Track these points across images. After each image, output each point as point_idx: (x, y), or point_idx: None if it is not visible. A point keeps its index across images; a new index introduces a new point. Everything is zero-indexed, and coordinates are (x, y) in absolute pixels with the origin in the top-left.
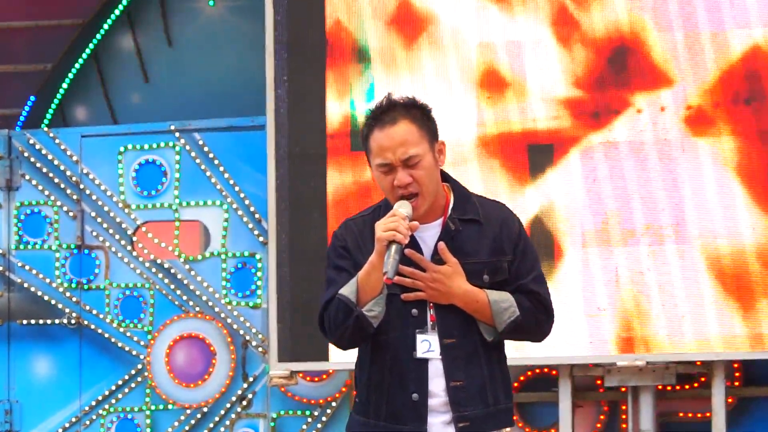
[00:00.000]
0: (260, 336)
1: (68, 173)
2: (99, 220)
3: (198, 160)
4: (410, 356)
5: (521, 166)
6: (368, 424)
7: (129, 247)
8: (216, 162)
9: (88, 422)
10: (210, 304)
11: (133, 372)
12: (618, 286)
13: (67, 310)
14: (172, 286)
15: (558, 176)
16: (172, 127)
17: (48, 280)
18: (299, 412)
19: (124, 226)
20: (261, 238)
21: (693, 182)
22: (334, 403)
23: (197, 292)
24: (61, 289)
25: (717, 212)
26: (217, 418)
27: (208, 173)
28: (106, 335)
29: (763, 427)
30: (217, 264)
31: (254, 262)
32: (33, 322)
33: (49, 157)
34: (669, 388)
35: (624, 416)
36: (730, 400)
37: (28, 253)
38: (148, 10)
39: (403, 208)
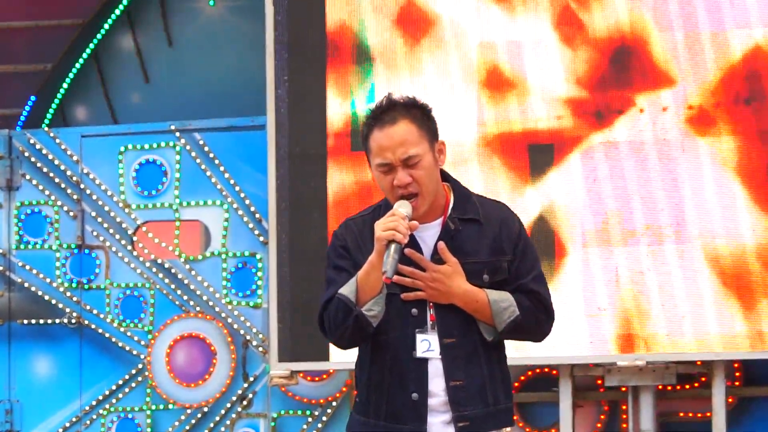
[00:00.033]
0: (261, 336)
1: (69, 173)
2: (99, 219)
3: (198, 160)
4: (410, 356)
5: (522, 166)
6: (368, 424)
7: (129, 247)
8: (216, 162)
9: (88, 422)
10: (210, 303)
11: (133, 372)
12: (618, 285)
13: (67, 310)
14: (173, 286)
15: (558, 176)
16: (173, 127)
17: (48, 280)
18: (300, 412)
19: (124, 225)
20: (261, 238)
21: (694, 182)
22: (334, 403)
23: (198, 292)
24: (61, 289)
25: (717, 212)
26: (217, 418)
27: (208, 173)
28: (107, 335)
29: (763, 427)
30: (218, 264)
31: (255, 261)
32: (33, 321)
33: (50, 156)
34: (669, 387)
35: (624, 416)
36: (730, 400)
37: (29, 253)
38: (148, 10)
39: (402, 207)
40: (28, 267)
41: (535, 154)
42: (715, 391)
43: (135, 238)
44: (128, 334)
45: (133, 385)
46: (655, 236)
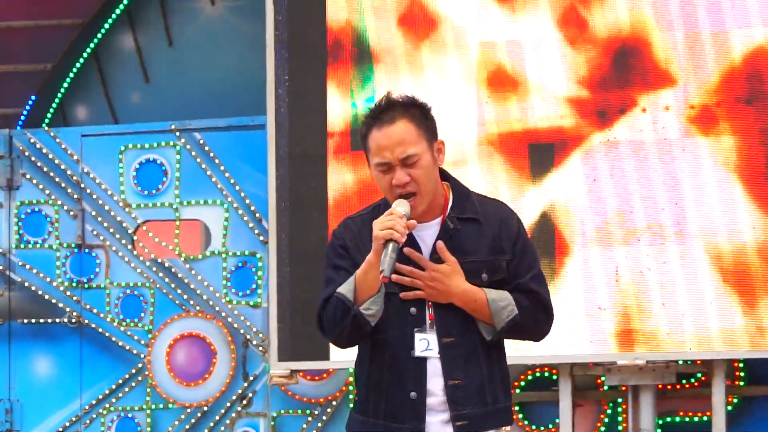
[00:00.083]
0: (261, 335)
1: (69, 172)
2: (99, 219)
3: (198, 160)
4: (409, 355)
5: (522, 166)
6: (367, 423)
7: (129, 246)
8: (216, 161)
9: (88, 421)
10: (210, 303)
11: (133, 371)
12: (618, 285)
13: (67, 309)
14: (173, 285)
15: (559, 176)
16: (173, 127)
17: (48, 279)
18: (299, 411)
19: (124, 225)
20: (261, 238)
21: (695, 182)
22: (334, 402)
23: (198, 291)
24: (61, 288)
25: (718, 212)
26: (217, 417)
27: (208, 172)
28: (107, 334)
29: (763, 426)
30: (218, 263)
31: (255, 261)
32: (33, 321)
33: (50, 156)
34: (669, 387)
35: (624, 415)
36: (730, 399)
37: (29, 252)
38: (148, 10)
39: (400, 206)
40: (28, 266)
41: (536, 153)
42: (715, 391)
43: (135, 238)
44: (128, 333)
45: (133, 384)
46: (655, 235)
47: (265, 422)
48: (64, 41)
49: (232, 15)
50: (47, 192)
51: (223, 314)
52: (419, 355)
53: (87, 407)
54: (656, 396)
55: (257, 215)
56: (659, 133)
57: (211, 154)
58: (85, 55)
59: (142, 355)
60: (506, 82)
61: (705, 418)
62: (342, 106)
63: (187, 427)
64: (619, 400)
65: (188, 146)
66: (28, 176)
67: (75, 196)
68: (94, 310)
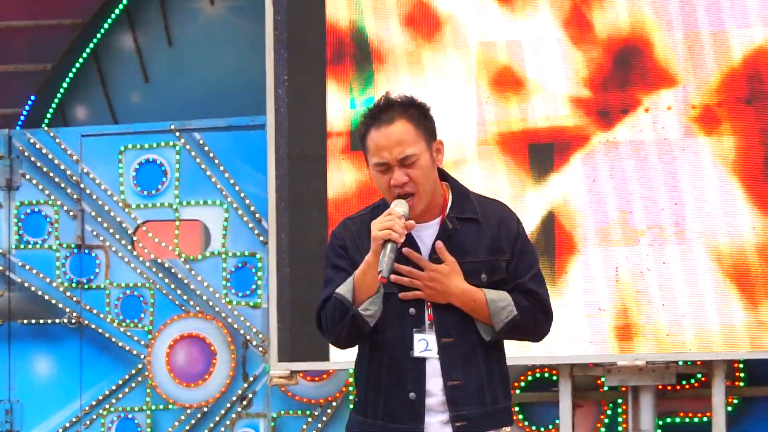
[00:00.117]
0: (260, 336)
1: (68, 173)
2: (99, 219)
3: (198, 160)
4: (408, 355)
5: (522, 166)
6: (366, 423)
7: (129, 247)
8: (216, 161)
9: (88, 422)
10: (210, 303)
11: (133, 371)
12: (618, 285)
13: (67, 310)
14: (173, 286)
15: (559, 176)
16: (173, 127)
17: (48, 280)
18: (299, 412)
19: (124, 225)
20: (261, 238)
21: (696, 182)
22: (334, 403)
23: (197, 292)
24: (61, 289)
25: (719, 212)
26: (217, 418)
27: (208, 173)
28: (107, 335)
29: (764, 427)
30: (218, 263)
31: (254, 261)
32: (33, 321)
33: (50, 156)
34: (669, 387)
35: (624, 416)
36: (730, 400)
37: (29, 253)
38: (148, 10)
39: (399, 207)
40: (28, 267)
41: (536, 153)
42: (715, 391)
43: (135, 238)
44: (128, 334)
45: (133, 385)
46: (656, 236)
47: (265, 423)
48: (64, 41)
49: (232, 15)
50: (47, 192)
51: (223, 315)
52: (418, 355)
53: (87, 408)
54: (656, 397)
55: (257, 215)
56: (659, 133)
57: (211, 155)
58: (84, 55)
59: (142, 356)
60: (506, 82)
61: (705, 419)
62: (341, 106)
63: (187, 427)
64: (619, 400)
65: (188, 146)
66: (27, 176)
67: (75, 196)
68: (94, 311)
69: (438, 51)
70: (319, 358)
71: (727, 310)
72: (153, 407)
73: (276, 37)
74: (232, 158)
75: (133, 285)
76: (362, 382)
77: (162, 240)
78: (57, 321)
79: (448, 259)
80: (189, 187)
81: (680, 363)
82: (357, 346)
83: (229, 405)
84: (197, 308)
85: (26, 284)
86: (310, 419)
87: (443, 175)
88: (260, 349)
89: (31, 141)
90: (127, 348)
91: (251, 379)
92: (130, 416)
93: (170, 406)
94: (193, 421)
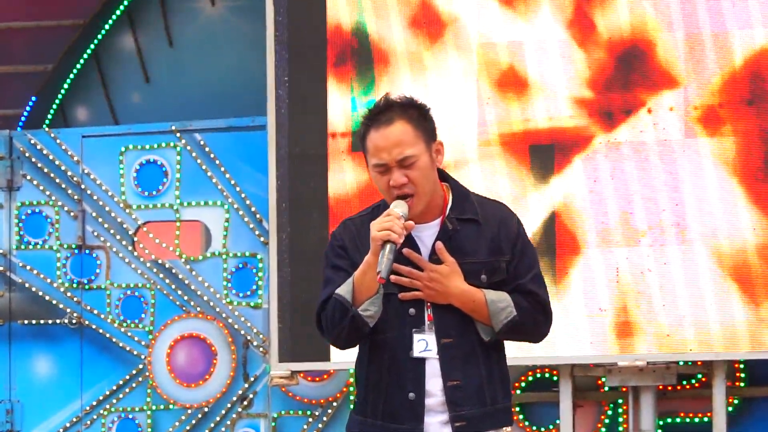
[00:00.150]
0: (261, 336)
1: (69, 173)
2: (100, 220)
3: (199, 160)
4: (407, 356)
5: (523, 167)
6: (366, 423)
7: (130, 247)
8: (217, 162)
9: (89, 422)
10: (211, 304)
11: (134, 372)
12: (619, 285)
13: (68, 310)
14: (173, 286)
15: (560, 177)
16: (173, 127)
17: (49, 280)
18: (300, 412)
19: (125, 226)
20: (262, 238)
21: (697, 182)
22: (335, 403)
23: (198, 292)
24: (62, 289)
25: (719, 212)
26: (218, 418)
27: (209, 173)
28: (107, 335)
29: (764, 427)
30: (218, 264)
31: (255, 262)
32: (34, 322)
33: (50, 157)
34: (670, 388)
35: (625, 416)
36: (731, 400)
37: (29, 253)
38: (148, 10)
39: (398, 207)
40: (28, 267)
41: (537, 154)
42: (716, 392)
43: (135, 239)
44: (129, 334)
45: (134, 385)
46: (656, 236)
47: (266, 423)
48: (65, 42)
49: (232, 15)
50: (48, 193)
51: (224, 315)
52: (418, 355)
53: (87, 408)
54: (657, 397)
55: (257, 216)
56: (660, 134)
57: (212, 155)
58: (85, 55)
59: (143, 356)
60: (507, 82)
61: (705, 419)
62: (342, 107)
63: (188, 428)
64: (620, 401)
65: (188, 147)
66: (28, 177)
67: (75, 197)
68: (95, 311)
69: (439, 51)
70: (320, 359)
71: (727, 311)
72: (153, 407)
73: (277, 37)
74: (233, 159)
75: (134, 285)
76: (362, 383)
77: (163, 240)
78: (58, 321)
79: (448, 260)
80: (189, 187)
81: (681, 363)
82: (357, 347)
83: (229, 405)
84: (198, 309)
85: (27, 285)
86: (310, 419)
87: (443, 176)
88: (261, 349)
89: (32, 142)
90: (128, 348)
91: (252, 379)
92: (130, 416)
93: (171, 407)
94: (193, 422)
